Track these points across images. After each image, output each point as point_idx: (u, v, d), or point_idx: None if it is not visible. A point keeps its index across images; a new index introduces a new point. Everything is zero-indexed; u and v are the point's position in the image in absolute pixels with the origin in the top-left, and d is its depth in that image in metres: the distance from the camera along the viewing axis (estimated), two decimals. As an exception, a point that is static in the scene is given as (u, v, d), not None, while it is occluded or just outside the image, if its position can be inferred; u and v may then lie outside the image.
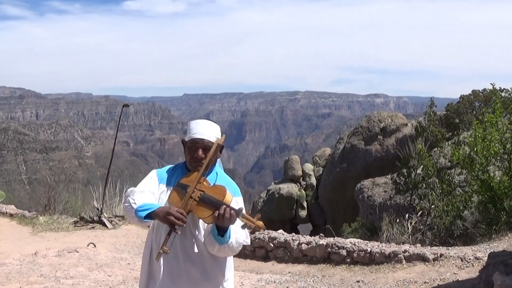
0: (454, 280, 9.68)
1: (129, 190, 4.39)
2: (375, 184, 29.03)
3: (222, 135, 4.53)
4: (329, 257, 12.35)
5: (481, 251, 10.96)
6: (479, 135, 13.63)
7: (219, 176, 4.51)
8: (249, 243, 4.42)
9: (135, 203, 4.22)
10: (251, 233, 4.20)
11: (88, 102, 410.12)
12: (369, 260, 11.62)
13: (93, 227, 17.75)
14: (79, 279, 10.43)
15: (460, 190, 17.52)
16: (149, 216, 4.14)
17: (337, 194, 34.96)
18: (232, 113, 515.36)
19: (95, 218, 18.17)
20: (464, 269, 10.15)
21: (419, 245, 12.38)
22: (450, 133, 27.01)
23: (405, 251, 11.22)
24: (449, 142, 21.71)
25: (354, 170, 34.01)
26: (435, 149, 21.76)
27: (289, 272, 11.99)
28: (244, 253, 13.40)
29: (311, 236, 13.70)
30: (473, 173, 14.19)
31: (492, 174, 13.90)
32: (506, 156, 13.54)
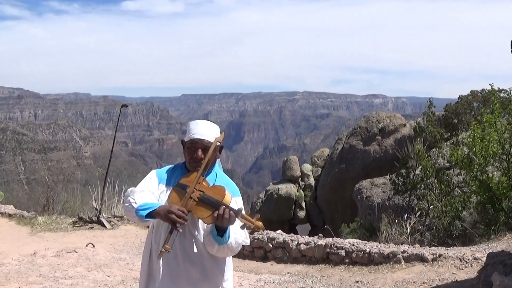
0: (453, 280, 9.69)
1: (129, 190, 4.40)
2: (374, 184, 29.04)
3: (221, 133, 4.53)
4: (328, 258, 12.35)
5: (480, 252, 10.97)
6: (478, 136, 13.66)
7: (218, 177, 4.51)
8: (249, 244, 4.43)
9: (135, 203, 4.23)
10: (251, 233, 4.20)
11: (86, 103, 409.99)
12: (368, 260, 11.63)
13: (91, 228, 17.74)
14: (78, 279, 10.43)
15: (459, 191, 17.54)
16: (150, 215, 4.14)
17: (335, 195, 34.97)
18: (231, 113, 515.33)
19: (94, 219, 18.16)
20: (463, 269, 10.17)
21: (418, 245, 12.39)
22: (449, 134, 27.04)
23: (404, 252, 11.23)
24: (448, 143, 21.73)
25: (352, 171, 34.02)
26: (434, 149, 21.79)
27: (288, 273, 11.99)
28: (243, 254, 13.39)
29: (309, 237, 13.70)
30: (471, 173, 14.22)
31: (490, 175, 13.93)
32: (505, 156, 13.57)
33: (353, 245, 12.15)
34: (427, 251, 11.18)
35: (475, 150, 13.72)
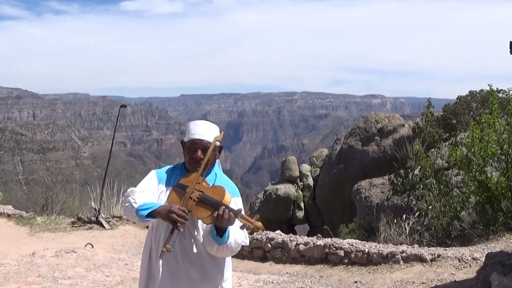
0: (452, 280, 9.71)
1: (129, 190, 4.40)
2: (373, 185, 29.05)
3: (221, 133, 4.54)
4: (326, 258, 12.37)
5: (479, 252, 10.98)
6: (477, 136, 13.66)
7: (218, 177, 4.51)
8: (248, 244, 4.44)
9: (135, 203, 4.23)
10: (250, 233, 4.19)
11: (85, 103, 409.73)
12: (367, 260, 11.65)
13: (90, 228, 17.75)
14: (77, 280, 10.43)
15: (458, 191, 17.57)
16: (151, 215, 4.15)
17: (334, 195, 34.99)
18: (229, 113, 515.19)
19: (93, 219, 18.17)
20: (461, 269, 10.18)
21: (417, 245, 12.41)
22: (447, 134, 27.06)
23: (402, 252, 11.25)
24: (447, 143, 21.75)
25: (351, 171, 34.05)
26: (433, 150, 21.80)
27: (287, 273, 12.01)
28: (242, 254, 13.40)
29: (308, 237, 13.71)
30: (470, 174, 14.23)
31: (489, 175, 13.94)
32: (504, 157, 13.57)
33: (352, 245, 12.17)
34: (426, 251, 11.19)
35: (473, 150, 13.72)
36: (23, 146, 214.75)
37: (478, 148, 13.51)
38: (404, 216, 15.83)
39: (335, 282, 10.91)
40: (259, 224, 4.08)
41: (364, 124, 35.24)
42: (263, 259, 13.39)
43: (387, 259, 11.33)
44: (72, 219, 18.72)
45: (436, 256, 10.87)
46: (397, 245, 12.37)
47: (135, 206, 4.21)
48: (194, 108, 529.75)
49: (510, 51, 8.55)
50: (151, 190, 4.43)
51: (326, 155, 40.44)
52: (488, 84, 16.29)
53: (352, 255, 11.89)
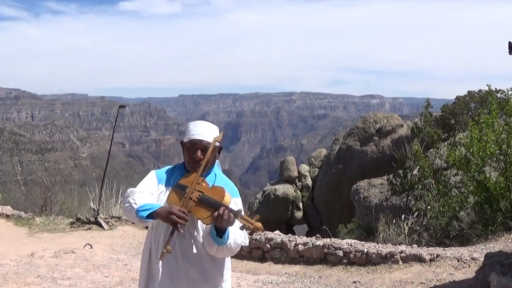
0: (451, 280, 9.72)
1: (128, 190, 4.40)
2: (371, 185, 29.06)
3: (220, 133, 4.54)
4: (325, 258, 12.37)
5: (478, 252, 10.99)
6: (475, 136, 13.67)
7: (217, 177, 4.51)
8: (248, 244, 4.44)
9: (135, 204, 4.23)
10: (250, 234, 4.19)
11: (83, 103, 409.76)
12: (366, 260, 11.65)
13: (89, 228, 17.75)
14: (76, 280, 10.43)
15: (456, 191, 17.58)
16: (150, 216, 4.15)
17: (332, 195, 35.00)
18: (228, 114, 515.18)
19: (92, 219, 18.17)
20: (460, 269, 10.19)
21: (416, 245, 12.42)
22: (446, 134, 27.08)
23: (401, 252, 11.26)
24: (445, 143, 21.77)
25: (349, 171, 34.07)
26: (431, 150, 21.82)
27: (286, 273, 12.01)
28: (241, 254, 13.39)
29: (307, 237, 13.72)
30: (469, 174, 14.24)
31: (488, 175, 13.94)
32: (502, 157, 13.58)
33: (351, 245, 12.17)
34: (425, 251, 11.20)
35: (472, 150, 13.73)
36: (21, 146, 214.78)
37: (477, 148, 13.52)
38: (403, 216, 15.87)
39: (334, 282, 10.91)
40: (259, 224, 4.09)
41: (363, 124, 35.27)
42: (262, 259, 13.39)
43: (386, 259, 11.34)
44: (71, 219, 18.72)
45: (435, 256, 10.87)
46: (396, 245, 12.38)
47: (135, 207, 4.21)
48: (193, 109, 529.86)
49: (509, 52, 8.56)
50: (150, 191, 4.43)
51: (325, 155, 40.46)
52: (487, 84, 16.30)
53: (351, 255, 11.89)
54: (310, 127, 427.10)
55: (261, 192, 40.26)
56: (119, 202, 19.49)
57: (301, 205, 38.11)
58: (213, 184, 4.35)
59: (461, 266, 10.35)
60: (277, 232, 14.23)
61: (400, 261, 11.12)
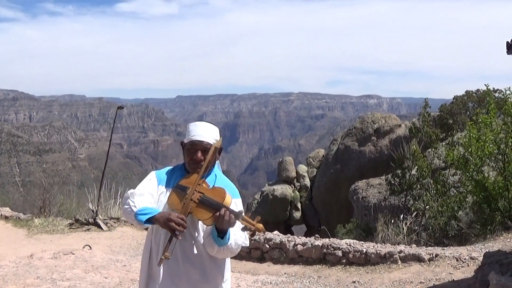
0: (450, 280, 9.73)
1: (128, 192, 4.40)
2: (370, 185, 29.10)
3: (219, 138, 4.55)
4: (324, 258, 12.38)
5: (476, 251, 11.02)
6: (474, 136, 13.69)
7: (218, 178, 4.52)
8: (248, 245, 4.45)
9: (135, 206, 4.23)
10: (251, 235, 4.19)
11: (81, 104, 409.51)
12: (365, 260, 11.67)
13: (88, 229, 17.73)
14: (76, 281, 10.43)
15: (455, 191, 17.60)
16: (149, 220, 4.15)
17: (331, 195, 35.05)
18: (226, 114, 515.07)
19: (90, 220, 18.15)
20: (459, 269, 10.21)
21: (414, 245, 12.43)
22: (444, 134, 27.10)
23: (400, 252, 11.27)
24: (443, 143, 21.79)
25: (348, 171, 34.12)
26: (429, 150, 21.83)
27: (285, 273, 12.02)
28: (240, 254, 13.35)
29: (306, 237, 13.74)
30: (467, 173, 14.27)
31: (486, 175, 13.97)
32: (501, 156, 13.61)
33: (350, 245, 12.19)
34: (424, 251, 11.22)
35: (471, 150, 13.76)
36: (19, 148, 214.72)
37: (475, 148, 13.55)
38: (401, 216, 15.89)
39: (333, 282, 10.92)
40: (260, 226, 4.09)
41: (361, 125, 35.33)
42: (261, 259, 13.40)
43: (385, 259, 11.35)
44: (70, 220, 18.71)
45: (434, 255, 10.89)
46: (395, 245, 12.40)
47: (134, 210, 4.21)
48: (190, 109, 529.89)
49: (507, 52, 8.58)
50: (150, 192, 4.43)
51: (323, 155, 40.51)
52: (485, 84, 16.32)
53: (350, 255, 11.91)
54: (308, 127, 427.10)
55: (260, 192, 40.35)
56: (117, 203, 19.47)
57: (299, 205, 38.17)
58: (213, 185, 4.35)
59: (460, 265, 10.37)
60: (276, 232, 14.25)
61: (399, 261, 11.14)
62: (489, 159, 13.86)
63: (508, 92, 14.08)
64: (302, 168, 40.25)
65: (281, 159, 41.87)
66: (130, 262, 12.44)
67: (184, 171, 4.52)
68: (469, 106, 31.48)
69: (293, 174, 39.57)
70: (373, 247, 11.98)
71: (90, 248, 13.71)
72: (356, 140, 34.67)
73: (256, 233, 4.13)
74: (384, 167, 26.74)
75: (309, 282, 11.07)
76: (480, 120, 14.13)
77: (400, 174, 20.72)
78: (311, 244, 12.67)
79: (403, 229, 14.86)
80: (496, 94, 17.86)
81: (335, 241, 12.70)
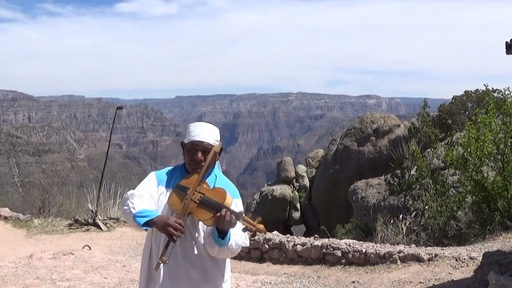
0: (449, 280, 9.74)
1: (128, 193, 4.40)
2: (369, 185, 29.08)
3: (219, 142, 4.54)
4: (324, 258, 12.39)
5: (476, 251, 11.02)
6: (473, 136, 13.70)
7: (218, 178, 4.53)
8: (248, 245, 4.45)
9: (134, 208, 4.23)
10: (252, 236, 4.19)
11: (80, 105, 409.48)
12: (364, 260, 11.67)
13: (87, 230, 17.74)
14: (75, 282, 10.44)
15: (454, 191, 17.60)
16: (147, 223, 4.16)
17: (330, 196, 35.03)
18: (225, 115, 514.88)
19: (90, 221, 18.16)
20: (459, 269, 10.21)
21: (414, 245, 12.43)
22: (443, 134, 27.10)
23: (400, 252, 11.28)
24: (442, 143, 21.79)
25: (347, 171, 34.11)
26: (429, 150, 21.83)
27: (285, 273, 12.02)
28: (239, 255, 13.34)
29: (305, 238, 13.74)
30: (466, 173, 14.28)
31: (485, 175, 13.98)
32: (500, 156, 13.62)
33: (349, 245, 12.20)
34: (423, 251, 11.23)
35: (470, 150, 13.77)
36: (18, 148, 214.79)
37: (474, 148, 13.56)
38: (400, 216, 15.88)
39: (332, 282, 10.93)
40: (261, 226, 4.10)
41: (360, 125, 35.31)
42: (261, 260, 13.41)
43: (384, 259, 11.36)
44: (69, 221, 18.72)
45: (433, 255, 10.90)
46: (394, 245, 12.40)
47: (133, 212, 4.22)
48: (190, 110, 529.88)
49: (507, 52, 8.59)
50: (150, 192, 4.44)
51: (322, 155, 40.48)
52: (484, 84, 16.33)
53: (350, 255, 11.92)
54: (307, 127, 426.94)
55: (259, 192, 40.31)
56: (117, 204, 19.48)
57: (298, 205, 38.13)
58: (214, 186, 4.36)
59: (459, 265, 10.38)
60: (275, 232, 14.25)
61: (399, 261, 11.14)
62: (488, 159, 13.87)
63: (507, 92, 14.08)
64: (301, 168, 40.23)
65: (280, 159, 41.84)
66: (129, 263, 12.45)
67: (184, 171, 4.53)
68: (468, 106, 31.50)
69: (292, 174, 39.55)
70: (373, 247, 11.98)
71: (90, 248, 13.72)
72: (355, 140, 34.66)
73: (257, 234, 4.13)
74: (383, 167, 26.74)
75: (308, 282, 11.08)
76: (479, 120, 14.13)
77: (399, 174, 20.71)
78: (311, 244, 12.68)
79: (402, 229, 14.86)
80: (495, 94, 17.86)
81: (334, 241, 12.71)
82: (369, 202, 26.81)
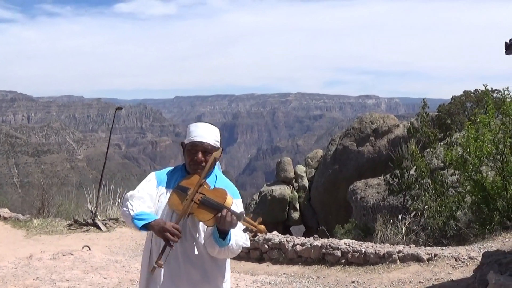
0: (449, 279, 9.74)
1: (128, 194, 4.42)
2: (368, 185, 29.07)
3: (219, 148, 4.55)
4: (323, 258, 12.39)
5: (475, 251, 11.03)
6: (472, 136, 13.70)
7: (218, 179, 4.53)
8: (249, 245, 4.46)
9: (132, 210, 4.26)
10: (253, 236, 4.18)
11: (79, 105, 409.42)
12: (364, 260, 11.68)
13: (87, 230, 17.74)
14: (75, 282, 10.44)
15: (453, 191, 17.59)
16: (145, 226, 4.17)
17: (329, 196, 35.00)
18: (224, 115, 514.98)
19: (89, 221, 18.15)
20: (458, 268, 10.22)
21: (413, 245, 12.44)
22: (442, 134, 27.09)
23: (399, 252, 11.28)
24: (442, 143, 21.79)
25: (346, 172, 34.08)
26: (428, 150, 21.82)
27: (284, 273, 12.02)
28: (239, 255, 13.22)
29: (305, 238, 13.74)
30: (466, 173, 14.27)
31: (485, 175, 13.97)
32: (499, 156, 13.62)
33: (349, 245, 12.20)
34: (423, 251, 11.23)
35: (469, 150, 13.76)
36: (17, 149, 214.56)
37: (474, 148, 13.55)
38: (400, 216, 15.87)
39: (332, 282, 10.93)
40: (262, 227, 4.10)
41: (359, 125, 35.28)
42: (260, 260, 13.40)
43: (384, 259, 11.36)
44: (69, 221, 18.72)
45: (432, 255, 10.90)
46: (393, 245, 12.40)
47: (132, 214, 4.25)
48: (189, 110, 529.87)
49: (506, 52, 8.59)
50: (149, 193, 4.45)
51: (321, 156, 40.43)
52: (483, 84, 16.39)
53: (349, 255, 11.92)
54: (306, 127, 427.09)
55: (258, 193, 40.25)
56: (116, 204, 19.48)
57: (297, 206, 38.09)
58: (214, 186, 4.37)
59: (459, 265, 10.38)
60: (275, 232, 14.25)
61: (398, 260, 11.15)
62: (488, 159, 13.86)
63: (506, 92, 14.08)
64: (301, 169, 40.19)
65: (279, 160, 41.79)
66: (129, 263, 12.45)
67: (185, 171, 4.53)
68: (467, 106, 31.48)
69: (292, 174, 39.51)
70: (372, 247, 11.99)
71: (89, 248, 13.71)
72: (355, 141, 34.63)
73: (258, 235, 4.14)
74: (383, 167, 26.73)
75: (308, 282, 11.08)
76: (478, 120, 14.12)
77: (399, 174, 20.70)
78: (310, 244, 12.68)
79: (401, 229, 14.86)
80: (494, 94, 17.88)
81: (334, 241, 12.71)
82: (369, 202, 26.80)
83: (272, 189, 38.06)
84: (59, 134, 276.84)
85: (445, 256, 10.79)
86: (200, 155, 4.36)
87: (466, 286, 9.14)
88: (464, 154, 14.20)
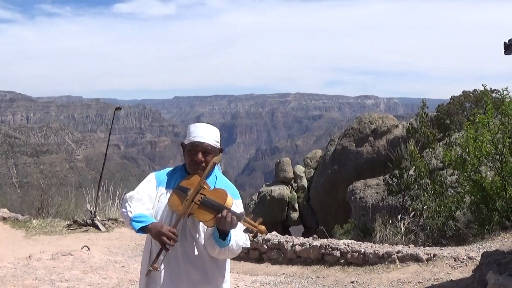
0: (448, 279, 9.75)
1: (128, 195, 4.42)
2: (367, 185, 29.06)
3: (219, 154, 4.55)
4: (323, 258, 12.39)
5: (474, 251, 11.04)
6: (471, 136, 13.70)
7: (218, 179, 4.54)
8: (249, 246, 4.46)
9: (131, 211, 4.28)
10: (253, 237, 4.19)
11: (78, 105, 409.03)
12: (363, 261, 11.68)
13: (86, 230, 17.73)
14: (74, 282, 10.44)
15: (452, 191, 17.59)
16: (142, 229, 4.19)
17: (328, 196, 35.00)
18: (223, 115, 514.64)
19: (89, 221, 18.15)
20: (457, 268, 10.23)
21: (412, 245, 12.45)
22: (441, 134, 27.09)
23: (398, 252, 11.29)
24: (441, 143, 21.79)
25: (345, 172, 34.07)
26: (427, 150, 21.83)
27: (284, 274, 12.02)
28: (238, 255, 13.31)
29: (304, 238, 13.73)
30: (465, 173, 14.27)
31: (484, 175, 13.98)
32: (498, 156, 13.62)
33: (348, 245, 12.20)
34: (422, 251, 11.23)
35: (468, 150, 13.77)
36: (16, 149, 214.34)
37: (473, 148, 13.56)
38: (399, 216, 15.88)
39: (331, 282, 10.94)
40: (263, 227, 4.11)
41: (358, 125, 35.28)
42: (259, 260, 13.40)
43: (383, 259, 11.37)
44: (68, 222, 18.71)
45: (432, 255, 10.91)
46: (392, 245, 12.41)
47: (130, 215, 4.27)
48: (188, 110, 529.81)
49: (504, 52, 8.60)
50: (149, 194, 4.47)
51: (320, 156, 40.43)
52: (482, 84, 16.37)
53: (348, 256, 11.92)
54: (305, 128, 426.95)
55: (257, 193, 40.25)
56: (115, 204, 19.47)
57: (297, 206, 38.09)
58: (214, 186, 4.37)
59: (458, 265, 10.39)
60: (274, 233, 14.25)
61: (397, 261, 11.15)
62: (487, 159, 13.87)
63: (505, 92, 14.09)
64: (300, 169, 40.18)
65: (278, 160, 41.79)
66: (128, 263, 12.46)
67: (185, 172, 4.53)
68: (466, 106, 31.47)
69: (291, 174, 39.51)
70: (371, 247, 11.99)
71: (89, 249, 13.71)
72: (354, 141, 34.63)
73: (258, 235, 4.14)
74: (382, 168, 26.74)
75: (307, 282, 11.09)
76: (477, 120, 14.13)
77: (398, 175, 20.70)
78: (309, 245, 12.68)
79: (401, 229, 14.85)
80: (493, 94, 17.89)
81: (333, 242, 12.71)
82: (368, 203, 26.79)
83: (271, 190, 38.06)
84: (58, 135, 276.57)
85: (444, 256, 10.80)
86: (200, 155, 4.37)
87: (465, 286, 9.15)
88: (463, 154, 14.21)
